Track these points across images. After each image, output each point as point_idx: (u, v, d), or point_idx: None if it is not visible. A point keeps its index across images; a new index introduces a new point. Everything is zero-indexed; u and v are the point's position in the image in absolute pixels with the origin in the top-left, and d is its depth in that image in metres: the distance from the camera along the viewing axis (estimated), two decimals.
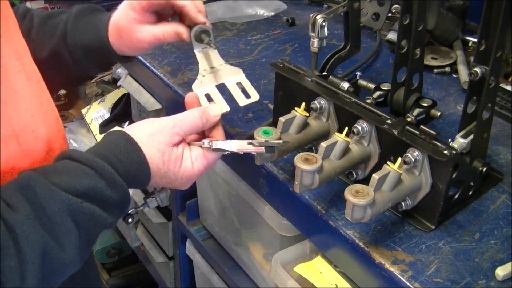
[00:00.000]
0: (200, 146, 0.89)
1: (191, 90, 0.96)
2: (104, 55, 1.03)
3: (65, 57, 1.04)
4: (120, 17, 1.01)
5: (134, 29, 0.99)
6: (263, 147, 0.90)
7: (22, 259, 0.68)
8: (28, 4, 2.07)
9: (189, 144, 0.89)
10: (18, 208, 0.70)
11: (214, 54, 1.00)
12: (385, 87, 1.09)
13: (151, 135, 0.84)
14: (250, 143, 0.89)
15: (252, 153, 0.90)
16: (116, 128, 1.76)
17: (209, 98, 0.97)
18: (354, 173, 0.98)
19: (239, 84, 1.00)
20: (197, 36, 0.99)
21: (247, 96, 0.99)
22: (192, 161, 0.87)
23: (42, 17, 1.06)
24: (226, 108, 0.95)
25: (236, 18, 1.53)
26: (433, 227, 0.92)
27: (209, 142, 0.88)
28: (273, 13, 1.57)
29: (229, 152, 0.89)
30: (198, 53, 1.00)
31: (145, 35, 1.00)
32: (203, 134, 0.92)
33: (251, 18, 1.54)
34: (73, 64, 1.04)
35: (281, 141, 0.90)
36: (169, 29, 0.99)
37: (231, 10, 1.53)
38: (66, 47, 1.03)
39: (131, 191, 0.87)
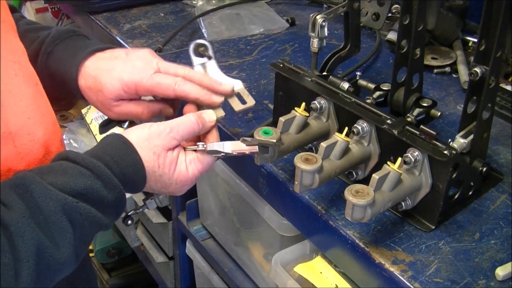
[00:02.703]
0: (195, 150, 0.89)
1: None
2: (69, 90, 0.99)
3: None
4: (106, 83, 0.94)
5: (113, 102, 0.96)
6: (256, 147, 0.90)
7: (16, 257, 0.68)
8: (28, 4, 2.07)
9: (184, 149, 0.89)
10: (13, 207, 0.70)
11: (213, 67, 1.01)
12: (385, 87, 1.09)
13: (148, 138, 0.84)
14: (243, 141, 0.90)
15: (247, 153, 0.91)
16: (116, 128, 1.76)
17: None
18: (354, 173, 0.98)
19: (237, 94, 1.01)
20: (195, 50, 1.00)
21: (244, 102, 1.00)
22: (186, 165, 0.88)
23: (22, 30, 0.99)
24: (221, 113, 0.96)
25: (239, 35, 1.52)
26: (433, 227, 0.92)
27: (203, 145, 0.89)
28: (275, 32, 1.55)
29: (224, 154, 0.89)
30: (197, 66, 1.01)
31: (122, 110, 0.97)
32: (198, 139, 0.93)
33: (254, 35, 1.53)
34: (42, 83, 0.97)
35: (274, 140, 0.90)
36: (155, 109, 0.98)
37: (234, 26, 1.52)
38: (34, 66, 0.95)
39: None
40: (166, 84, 0.94)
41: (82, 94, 0.98)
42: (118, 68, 0.95)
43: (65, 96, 1.10)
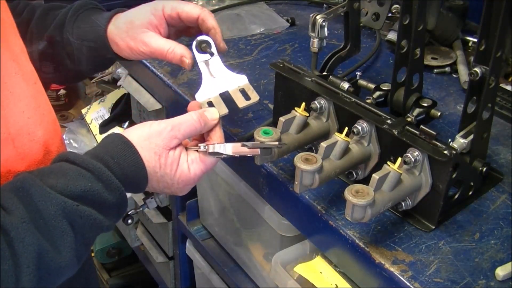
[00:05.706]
0: (196, 150, 0.88)
1: (191, 90, 0.97)
2: (98, 50, 1.01)
3: (60, 50, 1.02)
4: (135, 13, 1.00)
5: (143, 32, 0.98)
6: (258, 149, 0.90)
7: (16, 262, 0.67)
8: None
9: (186, 148, 0.89)
10: (13, 211, 0.70)
11: (217, 63, 1.00)
12: (385, 87, 1.09)
13: (148, 138, 0.83)
14: (244, 145, 0.89)
15: (248, 155, 0.90)
16: (116, 128, 1.76)
17: (210, 105, 0.97)
18: (354, 173, 0.98)
19: (241, 89, 1.00)
20: (198, 47, 0.99)
21: (248, 98, 0.99)
22: (188, 165, 0.87)
23: (43, 9, 1.04)
24: (224, 110, 0.95)
25: (240, 35, 1.52)
26: (433, 227, 0.92)
27: (205, 146, 0.88)
28: (275, 31, 1.55)
29: (226, 156, 0.89)
30: (200, 63, 1.00)
31: (151, 42, 0.98)
32: (202, 137, 0.92)
33: (254, 35, 1.53)
34: (67, 57, 1.02)
35: (276, 143, 0.90)
36: (177, 50, 0.98)
37: (235, 25, 1.53)
38: (61, 39, 1.01)
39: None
40: (191, 6, 0.99)
41: (109, 41, 1.00)
42: (151, 6, 1.00)
43: (92, 67, 1.09)
